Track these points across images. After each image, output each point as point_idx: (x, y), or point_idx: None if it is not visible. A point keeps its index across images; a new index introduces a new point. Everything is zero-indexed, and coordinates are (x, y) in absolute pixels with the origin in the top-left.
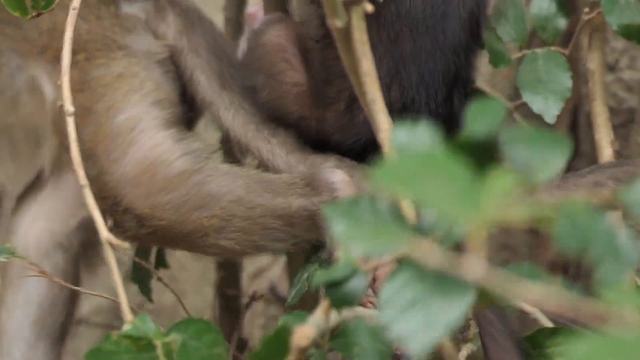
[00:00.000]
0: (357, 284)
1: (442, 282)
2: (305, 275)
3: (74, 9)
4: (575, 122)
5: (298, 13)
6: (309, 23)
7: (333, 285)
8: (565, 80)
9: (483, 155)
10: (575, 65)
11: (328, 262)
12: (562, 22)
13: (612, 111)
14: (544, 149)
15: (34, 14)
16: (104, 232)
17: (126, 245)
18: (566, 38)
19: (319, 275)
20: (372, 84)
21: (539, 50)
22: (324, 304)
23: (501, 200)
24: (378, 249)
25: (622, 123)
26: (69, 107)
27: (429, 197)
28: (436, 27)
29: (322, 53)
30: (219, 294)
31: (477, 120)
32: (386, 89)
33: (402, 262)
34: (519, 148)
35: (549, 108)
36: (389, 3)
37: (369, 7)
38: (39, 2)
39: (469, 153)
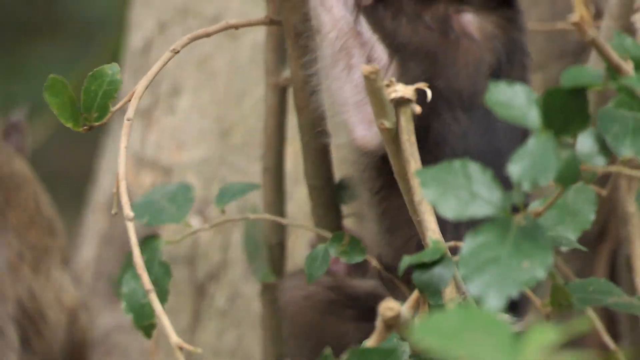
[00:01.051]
0: (444, 269)
1: (522, 244)
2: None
3: (128, 120)
4: (614, 266)
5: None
6: (362, 175)
7: (421, 269)
8: (589, 214)
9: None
10: (614, 207)
11: None
12: (601, 161)
13: None
14: None
15: (85, 126)
16: (173, 337)
17: (199, 350)
18: (606, 178)
19: (407, 259)
20: (419, 186)
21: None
22: (415, 293)
23: (542, 355)
24: (467, 212)
25: None
26: None
27: (470, 352)
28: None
29: (382, 205)
30: None
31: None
32: None
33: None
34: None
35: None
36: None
37: (418, 109)
38: (91, 115)
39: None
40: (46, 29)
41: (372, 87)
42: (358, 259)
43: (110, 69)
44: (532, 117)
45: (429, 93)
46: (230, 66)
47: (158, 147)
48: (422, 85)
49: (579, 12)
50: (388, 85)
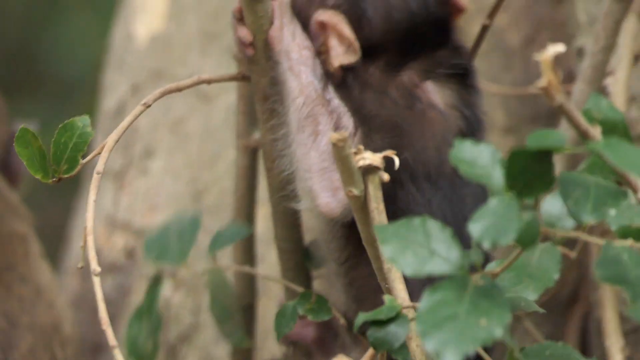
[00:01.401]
0: (399, 327)
1: (480, 302)
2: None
3: (98, 173)
4: (585, 330)
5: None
6: (329, 245)
7: (376, 326)
8: (553, 273)
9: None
10: (585, 271)
11: None
12: (569, 224)
13: (622, 318)
14: None
15: (55, 178)
16: None
17: None
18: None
19: (362, 316)
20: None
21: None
22: (370, 350)
23: None
24: (425, 269)
25: (632, 329)
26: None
27: None
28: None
29: (349, 274)
30: None
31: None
32: None
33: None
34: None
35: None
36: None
37: (386, 176)
38: (61, 167)
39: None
40: (27, 87)
41: (341, 154)
42: (324, 317)
43: (81, 121)
44: (496, 176)
45: (397, 161)
46: (204, 129)
47: (131, 209)
48: (389, 153)
49: (547, 77)
50: (356, 153)
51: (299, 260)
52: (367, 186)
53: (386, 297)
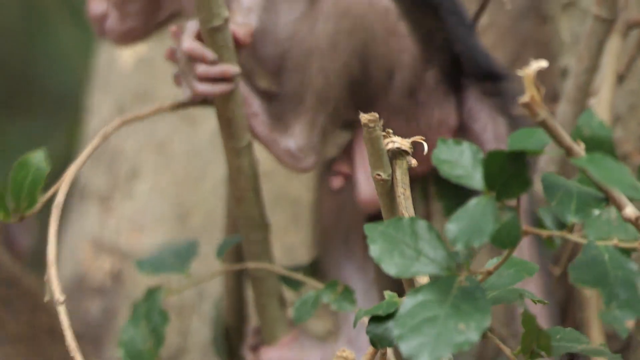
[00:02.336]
0: None
1: (461, 305)
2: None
3: (56, 207)
4: None
5: None
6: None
7: (375, 322)
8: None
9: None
10: (570, 289)
11: None
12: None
13: (609, 338)
14: None
15: (16, 217)
16: None
17: None
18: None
19: (361, 312)
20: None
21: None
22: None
23: None
24: (411, 270)
25: (621, 348)
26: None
27: None
28: None
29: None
30: None
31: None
32: None
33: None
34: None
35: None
36: None
37: (414, 162)
38: (20, 204)
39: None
40: (23, 105)
41: (370, 135)
42: (349, 308)
43: (35, 157)
44: (477, 178)
45: (425, 146)
46: (189, 149)
47: (117, 231)
48: (418, 138)
49: (530, 93)
50: (385, 136)
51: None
52: (395, 170)
53: (386, 293)
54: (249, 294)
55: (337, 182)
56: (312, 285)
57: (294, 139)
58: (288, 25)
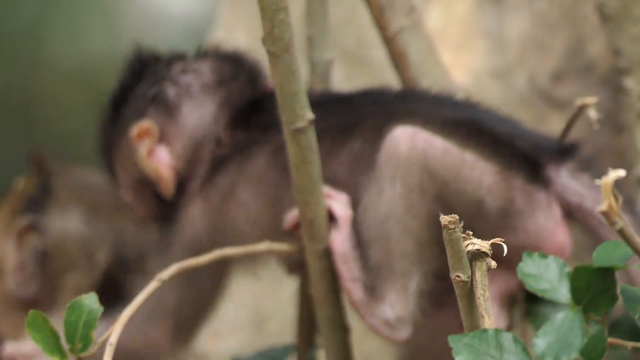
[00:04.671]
0: None
1: None
2: None
3: (110, 345)
4: None
5: None
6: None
7: None
8: None
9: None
10: None
11: None
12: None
13: None
14: None
15: (73, 359)
16: None
17: None
18: None
19: None
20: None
21: None
22: None
23: None
24: None
25: None
26: None
27: None
28: None
29: None
30: None
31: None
32: None
33: None
34: None
35: None
36: None
37: (494, 263)
38: (75, 346)
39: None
40: None
41: (450, 237)
42: None
43: (88, 299)
44: (563, 292)
45: (505, 248)
46: None
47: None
48: (498, 240)
49: (608, 202)
50: (464, 238)
51: None
52: (474, 272)
53: None
54: None
55: None
56: None
57: (392, 308)
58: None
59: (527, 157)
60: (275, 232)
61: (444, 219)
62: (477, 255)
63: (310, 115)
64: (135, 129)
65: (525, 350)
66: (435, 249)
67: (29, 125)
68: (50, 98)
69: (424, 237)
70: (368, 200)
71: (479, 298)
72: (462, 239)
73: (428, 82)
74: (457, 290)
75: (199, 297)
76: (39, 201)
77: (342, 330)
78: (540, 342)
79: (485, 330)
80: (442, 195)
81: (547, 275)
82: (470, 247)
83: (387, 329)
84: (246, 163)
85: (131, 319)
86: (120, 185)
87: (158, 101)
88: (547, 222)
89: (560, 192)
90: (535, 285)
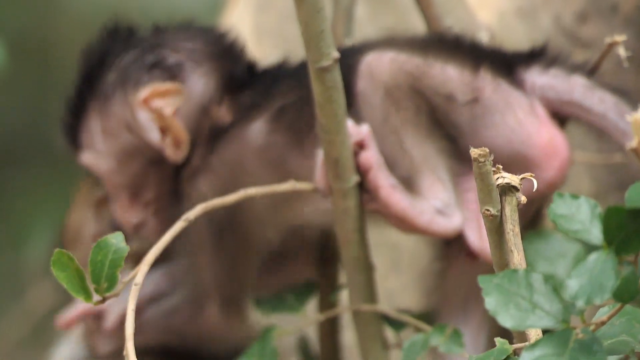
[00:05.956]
0: None
1: (579, 358)
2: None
3: (136, 285)
4: None
5: None
6: None
7: None
8: None
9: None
10: None
11: None
12: None
13: None
14: None
15: (98, 298)
16: None
17: None
18: None
19: (473, 358)
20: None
21: None
22: None
23: None
24: (527, 323)
25: None
26: None
27: None
28: None
29: None
30: None
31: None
32: None
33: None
34: None
35: None
36: None
37: (524, 198)
38: (101, 286)
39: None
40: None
41: (480, 170)
42: (457, 350)
43: (115, 237)
44: (595, 233)
45: (535, 183)
46: None
47: None
48: (528, 175)
49: (637, 138)
50: (494, 172)
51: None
52: (504, 206)
53: (497, 340)
54: (343, 340)
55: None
56: (419, 328)
57: (435, 198)
58: None
59: (495, 60)
60: (284, 196)
61: (474, 151)
62: (507, 189)
63: (335, 53)
64: (146, 91)
65: (555, 290)
66: (443, 139)
67: (46, 70)
68: (67, 42)
69: (427, 132)
70: (370, 125)
71: (508, 233)
72: (492, 173)
73: (452, 20)
74: (487, 224)
75: (235, 269)
76: None
77: (366, 269)
78: (573, 283)
79: (515, 271)
80: (418, 93)
81: (579, 216)
82: (500, 181)
83: (441, 219)
84: (248, 130)
85: (179, 309)
86: (96, 153)
87: (160, 67)
88: (527, 117)
89: (538, 90)
90: (567, 226)
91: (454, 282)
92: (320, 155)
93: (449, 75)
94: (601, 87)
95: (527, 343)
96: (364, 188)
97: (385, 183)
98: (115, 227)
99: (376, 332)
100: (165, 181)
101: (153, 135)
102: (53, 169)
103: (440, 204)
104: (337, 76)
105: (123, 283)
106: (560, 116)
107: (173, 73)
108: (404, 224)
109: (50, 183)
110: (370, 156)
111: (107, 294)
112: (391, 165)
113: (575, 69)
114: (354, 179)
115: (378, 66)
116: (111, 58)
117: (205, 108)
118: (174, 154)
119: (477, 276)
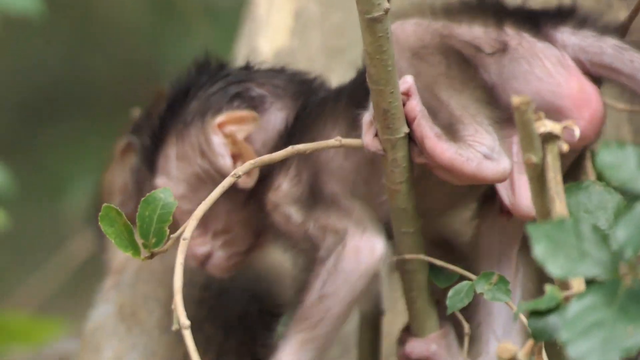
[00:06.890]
0: (560, 317)
1: (629, 307)
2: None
3: (184, 239)
4: None
5: None
6: None
7: (536, 316)
8: None
9: None
10: None
11: None
12: None
13: None
14: None
15: (146, 254)
16: None
17: None
18: None
19: (523, 305)
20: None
21: None
22: (529, 340)
23: None
24: (576, 272)
25: None
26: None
27: None
28: None
29: None
30: None
31: None
32: None
33: (593, 285)
34: None
35: None
36: None
37: (565, 147)
38: (150, 241)
39: None
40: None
41: (522, 118)
42: (503, 298)
43: (162, 192)
44: None
45: (577, 132)
46: None
47: None
48: (569, 123)
49: None
50: (536, 120)
51: (423, 279)
52: (546, 155)
53: (547, 287)
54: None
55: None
56: (464, 277)
57: (480, 144)
58: None
59: (520, 17)
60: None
61: (515, 99)
62: (549, 137)
63: (386, 4)
64: (222, 117)
65: (605, 239)
66: (478, 88)
67: (85, 21)
68: None
69: (461, 84)
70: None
71: (550, 181)
72: (533, 121)
73: None
74: (529, 173)
75: None
76: (140, 124)
77: (413, 220)
78: (620, 233)
79: (563, 220)
80: (446, 49)
81: (627, 166)
82: (542, 130)
83: (490, 164)
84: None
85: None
86: (169, 178)
87: (241, 97)
88: (555, 67)
89: (569, 51)
90: (615, 176)
91: (488, 241)
92: (366, 113)
93: (474, 31)
94: (632, 47)
95: (572, 291)
96: (412, 140)
97: (430, 133)
98: (135, 175)
99: (422, 283)
100: (235, 211)
101: (225, 160)
102: (92, 121)
103: (486, 149)
104: (387, 26)
105: (172, 238)
106: (592, 76)
107: (253, 104)
108: (453, 173)
109: (89, 135)
110: (415, 104)
111: (155, 250)
112: (432, 117)
113: (605, 29)
114: (404, 129)
115: (403, 32)
116: (197, 89)
117: (280, 139)
118: (243, 181)
119: (510, 235)
